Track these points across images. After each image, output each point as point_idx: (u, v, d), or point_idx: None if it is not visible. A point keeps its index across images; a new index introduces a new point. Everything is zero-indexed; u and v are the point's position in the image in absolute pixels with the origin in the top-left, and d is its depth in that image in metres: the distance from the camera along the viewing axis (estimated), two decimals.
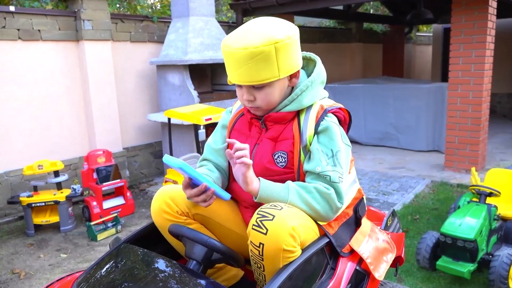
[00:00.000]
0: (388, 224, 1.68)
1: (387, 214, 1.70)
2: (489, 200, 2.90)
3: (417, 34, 11.88)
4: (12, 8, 4.18)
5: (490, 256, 2.63)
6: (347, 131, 1.41)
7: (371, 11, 11.12)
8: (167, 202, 1.36)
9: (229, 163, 1.50)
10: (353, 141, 6.68)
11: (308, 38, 7.82)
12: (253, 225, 1.15)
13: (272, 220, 1.13)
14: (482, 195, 2.84)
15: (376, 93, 6.41)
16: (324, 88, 1.42)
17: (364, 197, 1.51)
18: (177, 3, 5.19)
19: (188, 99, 4.91)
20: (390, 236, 1.61)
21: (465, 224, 2.57)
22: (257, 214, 1.16)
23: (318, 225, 1.29)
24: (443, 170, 5.11)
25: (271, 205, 1.18)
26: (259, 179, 1.27)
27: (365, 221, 1.49)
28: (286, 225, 1.13)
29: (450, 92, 4.98)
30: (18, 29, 4.23)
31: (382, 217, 1.72)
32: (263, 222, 1.13)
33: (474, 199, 3.04)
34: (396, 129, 6.31)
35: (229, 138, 1.48)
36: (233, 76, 1.26)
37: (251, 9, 6.04)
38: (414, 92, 6.04)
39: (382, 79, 7.73)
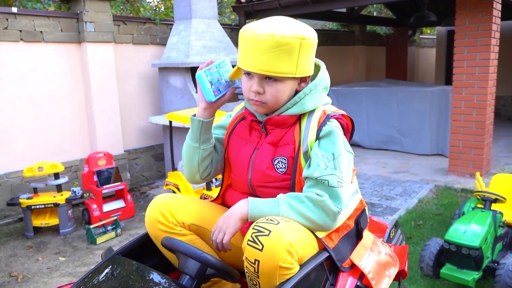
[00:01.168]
0: (391, 236, 1.62)
1: (390, 225, 1.64)
2: (494, 206, 2.85)
3: (421, 36, 11.82)
4: (14, 9, 4.17)
5: (496, 264, 2.57)
6: (349, 139, 1.36)
7: (375, 14, 11.08)
8: (161, 212, 1.32)
9: (224, 156, 1.48)
10: (356, 145, 6.63)
11: None
12: (248, 240, 1.10)
13: (268, 235, 1.08)
14: (487, 201, 2.79)
15: (379, 96, 6.36)
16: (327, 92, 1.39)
17: (366, 208, 1.45)
18: (180, 6, 5.18)
19: (190, 101, 4.88)
20: (393, 249, 1.55)
21: (469, 231, 2.51)
22: (253, 229, 1.11)
23: (317, 238, 1.23)
24: (447, 175, 5.05)
25: (267, 219, 1.13)
26: (248, 199, 1.22)
27: (366, 234, 1.43)
28: (283, 240, 1.08)
29: (454, 96, 4.93)
30: (20, 30, 4.22)
31: (385, 228, 1.65)
32: (258, 237, 1.08)
33: (479, 205, 2.99)
34: (399, 133, 6.25)
35: (228, 142, 1.44)
36: (250, 62, 1.21)
37: (254, 12, 6.01)
38: (418, 95, 5.98)
39: (385, 82, 7.68)
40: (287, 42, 1.17)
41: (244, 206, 1.21)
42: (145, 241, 1.37)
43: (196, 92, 4.93)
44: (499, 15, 4.73)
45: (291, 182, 1.28)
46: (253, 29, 1.20)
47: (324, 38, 8.24)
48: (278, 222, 1.11)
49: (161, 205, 1.33)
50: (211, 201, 1.52)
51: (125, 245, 1.32)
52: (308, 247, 1.19)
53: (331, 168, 1.21)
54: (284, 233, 1.09)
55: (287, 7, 5.67)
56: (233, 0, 8.05)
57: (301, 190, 1.26)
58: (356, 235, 1.38)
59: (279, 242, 1.07)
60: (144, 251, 1.39)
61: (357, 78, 8.98)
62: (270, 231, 1.08)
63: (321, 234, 1.24)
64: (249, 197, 1.23)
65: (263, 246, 1.07)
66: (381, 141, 6.48)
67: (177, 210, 1.33)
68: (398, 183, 4.86)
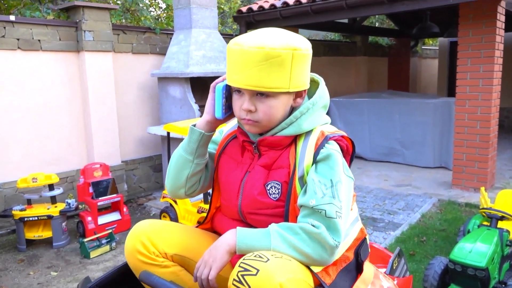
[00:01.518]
0: (394, 267, 1.51)
1: (393, 255, 1.53)
2: (500, 224, 2.75)
3: (423, 47, 11.79)
4: (12, 18, 4.13)
5: (503, 285, 2.46)
6: (349, 162, 1.25)
7: (377, 25, 11.07)
8: (142, 242, 1.21)
9: (213, 174, 1.38)
10: (357, 157, 6.54)
11: (312, 51, 7.71)
12: (234, 280, 0.99)
13: (256, 275, 0.96)
14: (493, 218, 2.69)
15: (381, 108, 6.29)
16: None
17: (367, 237, 1.33)
18: (180, 15, 5.14)
19: (189, 112, 4.82)
20: (396, 281, 1.42)
21: (475, 250, 2.41)
22: (239, 266, 1.00)
23: (313, 273, 1.11)
24: (451, 188, 4.95)
25: (255, 256, 1.02)
26: (236, 229, 1.12)
27: (367, 266, 1.30)
28: (273, 281, 0.96)
29: (457, 108, 4.85)
30: (18, 39, 4.18)
31: (387, 258, 1.53)
32: (245, 277, 0.97)
33: (485, 223, 2.88)
34: (402, 145, 6.16)
35: (218, 162, 1.34)
36: (239, 78, 1.12)
37: (255, 22, 5.98)
38: (421, 107, 5.91)
39: (387, 93, 7.62)
40: (277, 54, 1.08)
41: (232, 237, 1.11)
42: (125, 271, 1.26)
43: (195, 102, 4.89)
44: (503, 27, 4.67)
45: (284, 209, 1.17)
46: (240, 42, 1.12)
47: (326, 48, 8.21)
48: (268, 259, 1.00)
49: (141, 233, 1.22)
50: (198, 226, 1.42)
51: (103, 276, 1.21)
52: (302, 286, 1.07)
53: (329, 197, 1.10)
54: (273, 273, 0.98)
55: (288, 17, 5.63)
56: (235, 10, 8.04)
57: (295, 219, 1.16)
58: (356, 268, 1.26)
59: (268, 284, 0.96)
60: (124, 282, 1.27)
61: (358, 89, 8.92)
62: (258, 270, 0.97)
63: (317, 269, 1.12)
64: (237, 227, 1.13)
65: None
66: (383, 153, 6.39)
67: (159, 239, 1.23)
68: (400, 196, 4.76)
